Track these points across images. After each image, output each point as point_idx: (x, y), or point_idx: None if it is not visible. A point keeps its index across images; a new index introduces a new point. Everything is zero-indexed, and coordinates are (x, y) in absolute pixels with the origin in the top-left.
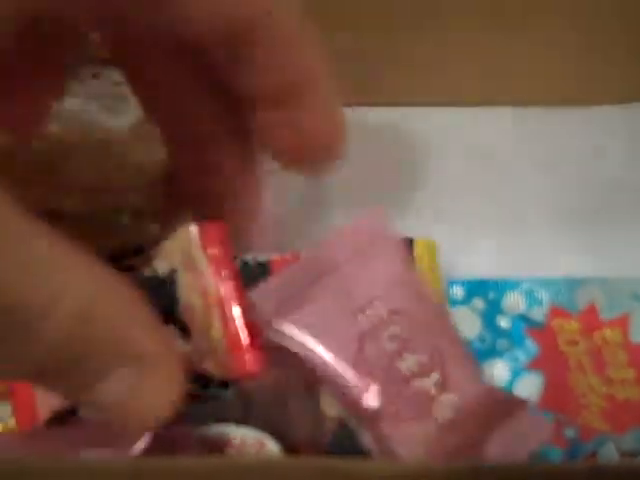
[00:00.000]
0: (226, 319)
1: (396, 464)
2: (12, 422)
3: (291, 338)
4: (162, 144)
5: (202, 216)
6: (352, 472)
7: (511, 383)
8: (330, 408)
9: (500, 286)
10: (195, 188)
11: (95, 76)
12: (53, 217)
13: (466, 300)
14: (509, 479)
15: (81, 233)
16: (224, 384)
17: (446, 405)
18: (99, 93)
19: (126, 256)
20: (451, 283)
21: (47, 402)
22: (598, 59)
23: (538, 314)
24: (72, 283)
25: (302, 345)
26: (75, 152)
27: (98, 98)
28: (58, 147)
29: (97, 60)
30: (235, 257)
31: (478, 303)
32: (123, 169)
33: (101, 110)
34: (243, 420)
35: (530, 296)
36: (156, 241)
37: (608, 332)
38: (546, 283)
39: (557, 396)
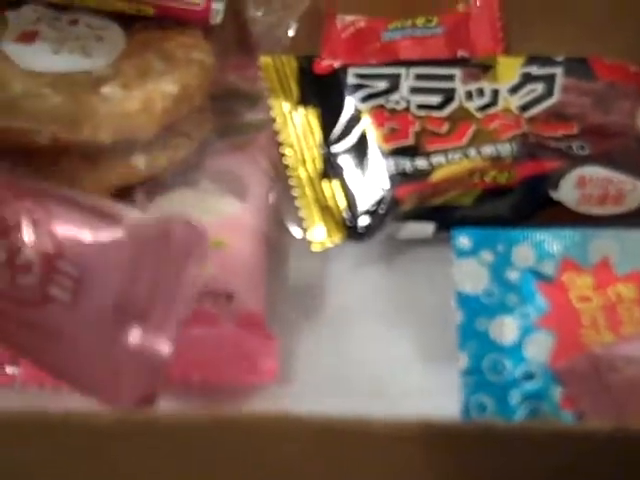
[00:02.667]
0: None
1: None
2: None
3: None
4: None
5: None
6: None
7: (521, 342)
8: None
9: (509, 238)
10: None
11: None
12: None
13: (474, 251)
14: (529, 440)
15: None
16: None
17: None
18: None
19: None
20: (457, 232)
21: None
22: None
23: (549, 268)
24: None
25: None
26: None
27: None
28: None
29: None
30: None
31: (487, 256)
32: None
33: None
34: None
35: (541, 248)
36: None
37: (622, 288)
38: (558, 235)
39: (569, 355)
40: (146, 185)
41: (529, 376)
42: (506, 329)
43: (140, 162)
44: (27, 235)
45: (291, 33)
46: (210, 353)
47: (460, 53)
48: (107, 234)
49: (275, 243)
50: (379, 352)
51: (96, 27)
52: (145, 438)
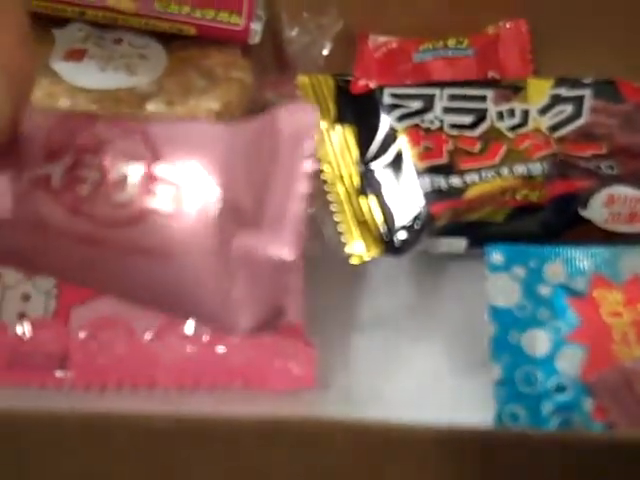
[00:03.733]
0: None
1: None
2: None
3: None
4: None
5: None
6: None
7: (552, 355)
8: None
9: (541, 254)
10: None
11: (117, 41)
12: None
13: (506, 267)
14: (561, 449)
15: None
16: None
17: None
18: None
19: None
20: (491, 248)
21: None
22: None
23: (580, 283)
24: None
25: None
26: None
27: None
28: None
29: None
30: None
31: (519, 271)
32: None
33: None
34: None
35: (572, 265)
36: None
37: None
38: (589, 252)
39: (600, 369)
40: None
41: (561, 388)
42: (538, 342)
43: None
44: (121, 146)
45: (325, 52)
46: (251, 360)
47: (490, 74)
48: (204, 133)
49: (312, 256)
50: (412, 363)
51: (139, 46)
52: (192, 441)
